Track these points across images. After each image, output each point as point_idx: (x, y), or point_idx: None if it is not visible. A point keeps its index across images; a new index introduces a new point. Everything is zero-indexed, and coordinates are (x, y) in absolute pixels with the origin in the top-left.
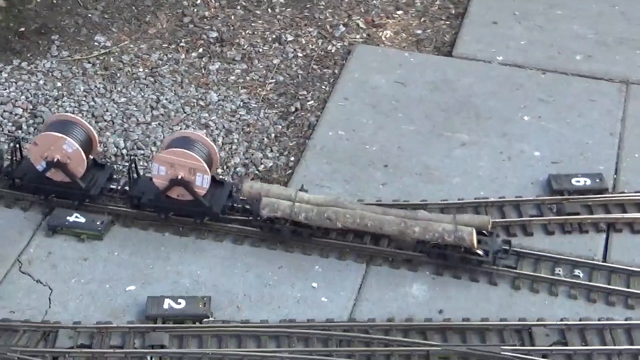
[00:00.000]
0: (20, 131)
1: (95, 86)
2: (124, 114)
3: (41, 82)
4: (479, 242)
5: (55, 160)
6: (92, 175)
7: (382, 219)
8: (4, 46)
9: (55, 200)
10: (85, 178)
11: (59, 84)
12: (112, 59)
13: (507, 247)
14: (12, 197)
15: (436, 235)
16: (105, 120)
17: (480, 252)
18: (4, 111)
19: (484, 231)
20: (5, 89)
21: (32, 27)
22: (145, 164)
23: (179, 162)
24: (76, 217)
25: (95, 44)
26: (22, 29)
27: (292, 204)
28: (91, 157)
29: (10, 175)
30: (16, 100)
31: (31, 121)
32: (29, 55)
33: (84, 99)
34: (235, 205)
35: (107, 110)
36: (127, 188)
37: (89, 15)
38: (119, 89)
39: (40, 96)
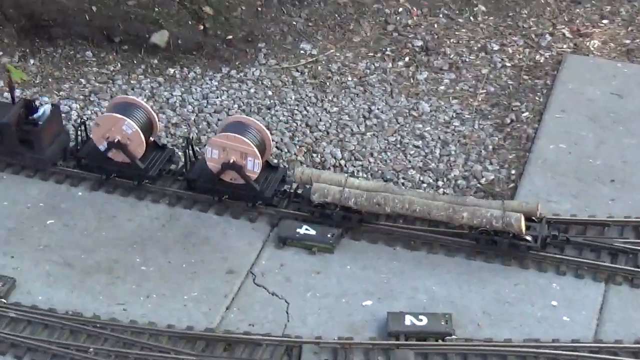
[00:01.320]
0: None
1: (306, 95)
2: (337, 124)
3: (252, 90)
4: (527, 228)
5: (116, 141)
6: (152, 157)
7: (430, 204)
8: (213, 54)
9: (282, 211)
10: (144, 159)
11: (269, 93)
12: (319, 68)
13: (556, 234)
14: (240, 208)
15: (484, 221)
16: (319, 130)
17: (529, 238)
18: (219, 119)
19: (532, 217)
20: (218, 97)
21: (239, 35)
22: (364, 174)
23: (231, 146)
24: (306, 229)
25: (302, 52)
26: (230, 37)
27: (342, 190)
28: (152, 139)
29: (75, 155)
30: (229, 109)
31: None
32: (237, 63)
33: (296, 107)
34: (287, 190)
35: (320, 120)
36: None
37: (294, 22)
38: (330, 98)
39: (252, 105)
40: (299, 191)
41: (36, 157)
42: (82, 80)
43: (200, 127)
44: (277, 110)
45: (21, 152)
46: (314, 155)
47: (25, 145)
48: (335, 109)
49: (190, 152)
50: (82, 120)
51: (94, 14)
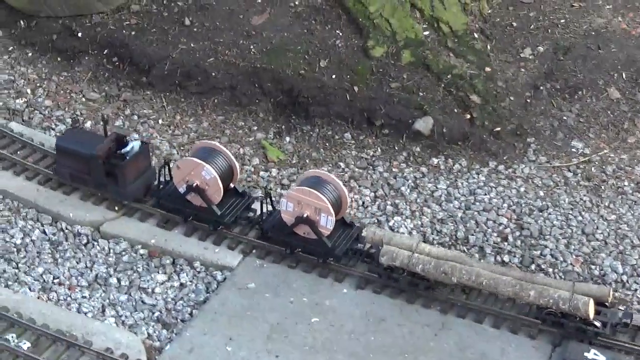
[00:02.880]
0: (506, 243)
1: (581, 198)
2: (616, 234)
3: (522, 189)
4: (597, 313)
5: (195, 185)
6: (230, 203)
7: (497, 278)
8: (479, 146)
9: (559, 330)
10: (222, 205)
11: (541, 193)
12: (593, 169)
13: (628, 321)
14: (519, 321)
15: (551, 302)
16: (597, 240)
17: (597, 323)
18: (487, 219)
19: (605, 303)
20: (486, 194)
21: (507, 127)
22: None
23: (305, 201)
24: (594, 354)
25: (573, 150)
26: (497, 129)
27: (411, 254)
28: (232, 185)
29: (156, 195)
30: (498, 208)
31: (517, 233)
32: (505, 157)
33: (570, 212)
34: (359, 249)
35: (597, 228)
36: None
37: (564, 117)
38: (606, 203)
39: (523, 205)
40: (371, 251)
41: (119, 191)
42: (341, 164)
43: (467, 225)
44: (550, 214)
45: (106, 184)
46: (592, 267)
47: (110, 178)
48: (612, 216)
49: (268, 203)
50: (166, 161)
51: (355, 95)
